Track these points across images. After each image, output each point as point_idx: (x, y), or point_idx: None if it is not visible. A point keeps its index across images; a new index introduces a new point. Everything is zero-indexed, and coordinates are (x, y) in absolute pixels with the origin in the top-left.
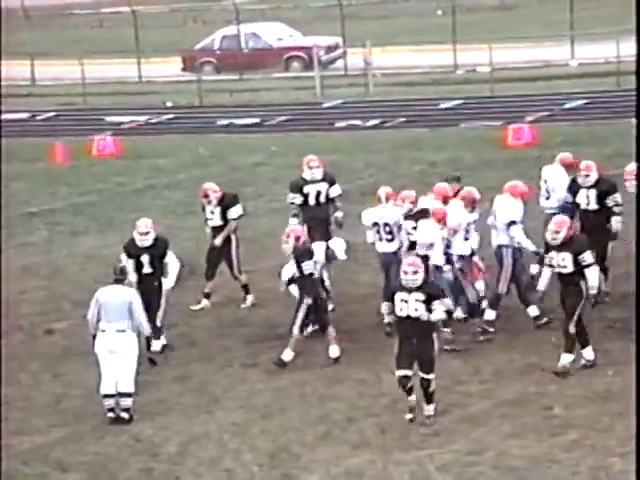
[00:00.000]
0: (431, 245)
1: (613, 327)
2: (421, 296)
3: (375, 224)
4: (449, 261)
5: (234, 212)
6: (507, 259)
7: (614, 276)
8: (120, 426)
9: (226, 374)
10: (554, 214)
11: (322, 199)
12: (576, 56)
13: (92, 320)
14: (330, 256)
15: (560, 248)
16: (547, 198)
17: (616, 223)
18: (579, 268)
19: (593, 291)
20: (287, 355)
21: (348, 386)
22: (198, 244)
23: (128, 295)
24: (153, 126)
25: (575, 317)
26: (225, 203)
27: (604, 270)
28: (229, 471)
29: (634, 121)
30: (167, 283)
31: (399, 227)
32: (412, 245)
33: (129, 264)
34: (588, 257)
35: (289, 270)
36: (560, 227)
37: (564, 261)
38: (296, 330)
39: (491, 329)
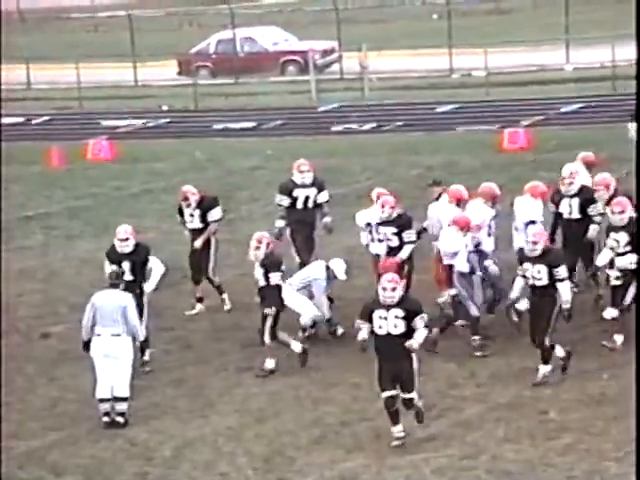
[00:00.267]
0: (455, 254)
1: (608, 331)
2: (400, 312)
3: (368, 225)
4: (481, 258)
5: (214, 214)
6: None
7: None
8: (115, 430)
9: (221, 378)
10: None
11: (310, 204)
12: (571, 60)
13: (87, 324)
14: (330, 276)
15: (536, 260)
16: None
17: (593, 231)
18: (553, 281)
19: (567, 305)
20: (269, 364)
21: (342, 390)
22: None
23: (123, 299)
24: (149, 130)
25: (550, 329)
26: (204, 205)
27: (594, 276)
28: (224, 475)
29: (633, 125)
30: (148, 286)
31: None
32: (390, 251)
33: (109, 270)
34: (563, 271)
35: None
36: (538, 238)
37: (539, 273)
38: (267, 339)
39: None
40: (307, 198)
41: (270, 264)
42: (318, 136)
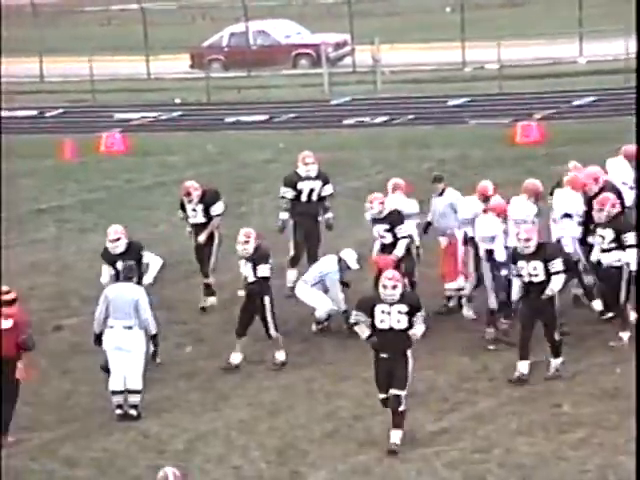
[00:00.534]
0: (493, 238)
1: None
2: (404, 308)
3: None
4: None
5: (217, 208)
6: (571, 248)
7: None
8: (128, 423)
9: (233, 371)
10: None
11: (314, 197)
12: (585, 53)
13: (99, 317)
14: (342, 267)
15: (530, 257)
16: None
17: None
18: (549, 275)
19: (549, 292)
20: (280, 355)
21: (355, 384)
22: None
23: (136, 293)
24: (162, 123)
25: (558, 325)
26: (207, 200)
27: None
28: (236, 468)
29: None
30: (146, 279)
31: (406, 217)
32: (384, 248)
33: (106, 271)
34: (558, 264)
35: (247, 271)
36: (531, 235)
37: (535, 270)
38: (273, 332)
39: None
40: (312, 191)
41: (258, 257)
42: (330, 129)
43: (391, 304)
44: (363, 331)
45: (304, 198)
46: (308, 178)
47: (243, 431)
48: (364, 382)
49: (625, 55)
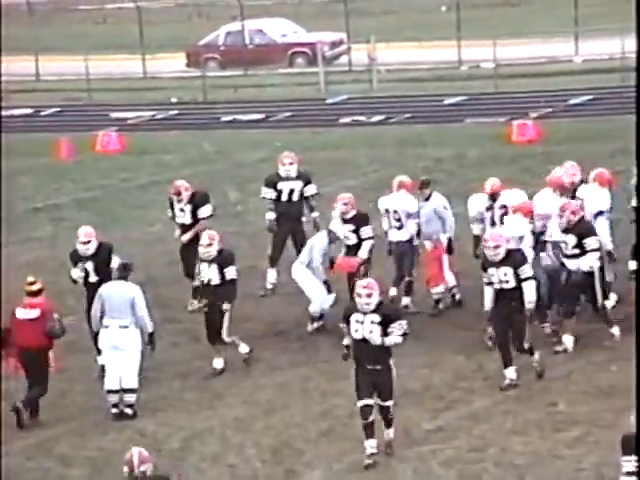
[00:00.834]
0: (521, 238)
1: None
2: (377, 318)
3: (387, 211)
4: (542, 249)
5: (205, 211)
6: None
7: (619, 274)
8: (124, 422)
9: (229, 370)
10: None
11: (295, 197)
12: (580, 52)
13: (95, 315)
14: (332, 238)
15: (499, 264)
16: None
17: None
18: (520, 282)
19: (530, 305)
20: (218, 363)
21: (351, 382)
22: None
23: (131, 291)
24: (157, 122)
25: (527, 334)
26: (196, 201)
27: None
28: (232, 466)
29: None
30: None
31: (408, 216)
32: (348, 250)
33: (75, 273)
34: (528, 270)
35: (213, 274)
36: (499, 242)
37: (506, 276)
38: (226, 337)
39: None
40: (292, 191)
41: (224, 260)
42: (326, 128)
43: (365, 313)
44: (346, 344)
45: (284, 198)
46: (288, 178)
47: (238, 430)
48: None
49: (621, 54)
